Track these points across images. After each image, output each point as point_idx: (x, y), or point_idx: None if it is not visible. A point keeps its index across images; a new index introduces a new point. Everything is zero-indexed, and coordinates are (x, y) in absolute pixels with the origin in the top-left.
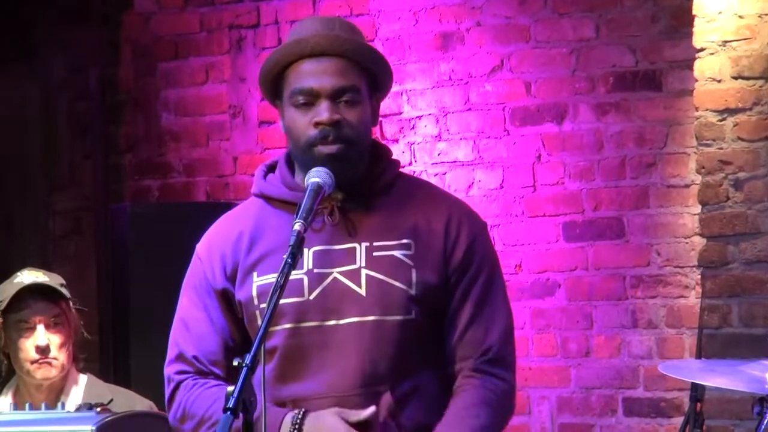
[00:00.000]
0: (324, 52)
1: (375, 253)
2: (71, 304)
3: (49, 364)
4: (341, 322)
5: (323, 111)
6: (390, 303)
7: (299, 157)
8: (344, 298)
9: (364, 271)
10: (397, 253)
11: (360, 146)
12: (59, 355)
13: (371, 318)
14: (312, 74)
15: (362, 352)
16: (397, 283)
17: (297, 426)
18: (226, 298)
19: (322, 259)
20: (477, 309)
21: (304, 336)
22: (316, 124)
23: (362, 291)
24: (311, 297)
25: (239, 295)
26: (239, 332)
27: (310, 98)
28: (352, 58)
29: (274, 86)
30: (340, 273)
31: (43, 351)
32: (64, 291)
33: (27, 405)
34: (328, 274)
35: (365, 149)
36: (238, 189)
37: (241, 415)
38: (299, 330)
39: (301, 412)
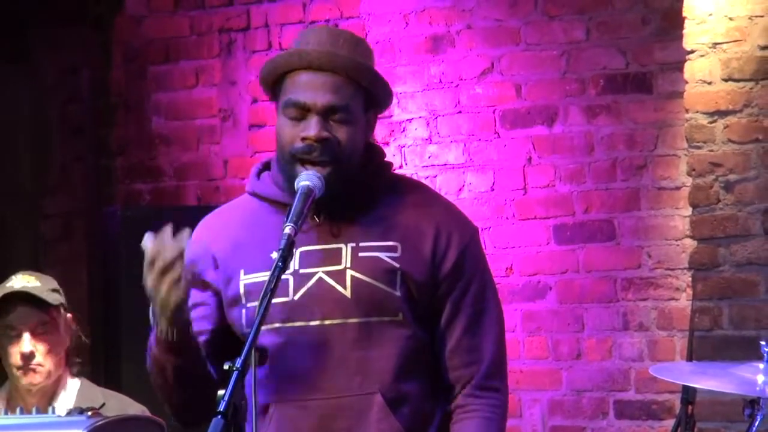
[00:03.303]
0: (321, 67)
1: (360, 254)
2: (62, 310)
3: (33, 371)
4: (326, 322)
5: (312, 127)
6: (374, 305)
7: (282, 164)
8: (328, 298)
9: (349, 272)
10: (382, 255)
11: (348, 163)
12: (45, 362)
13: (355, 320)
14: (306, 88)
15: (348, 353)
16: (381, 285)
17: None
18: (210, 290)
19: (307, 260)
20: (472, 317)
21: (290, 336)
22: (303, 139)
23: (347, 292)
24: (296, 297)
25: (226, 291)
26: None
27: (302, 112)
28: (349, 75)
29: (273, 87)
30: (326, 273)
31: (28, 358)
32: (56, 296)
33: (18, 409)
34: (313, 275)
35: (355, 164)
36: (228, 192)
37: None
38: (284, 330)
39: None
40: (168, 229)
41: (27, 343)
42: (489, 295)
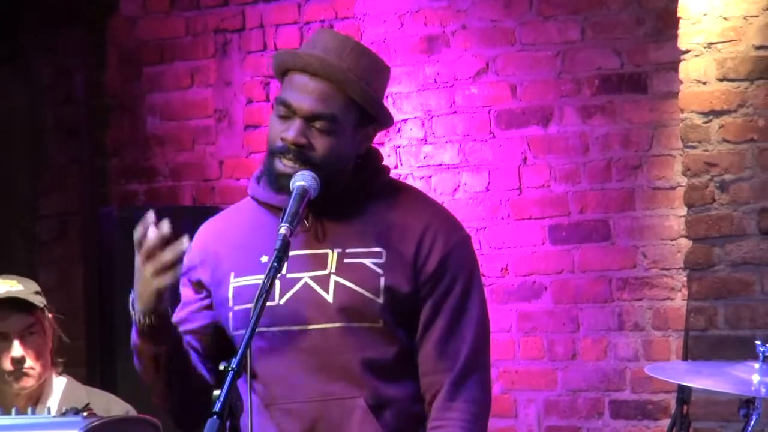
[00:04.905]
0: (315, 72)
1: (346, 260)
2: (46, 312)
3: (26, 374)
4: (309, 327)
5: (292, 130)
6: (356, 311)
7: (266, 155)
8: (312, 303)
9: (333, 278)
10: (366, 261)
11: (322, 171)
12: (36, 365)
13: (337, 325)
14: (296, 90)
15: (331, 358)
16: (364, 291)
17: None
18: (205, 290)
19: (294, 264)
20: (452, 322)
21: (273, 340)
22: (282, 139)
23: (329, 297)
24: (281, 301)
25: (217, 292)
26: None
27: (288, 112)
28: (341, 86)
29: (281, 80)
30: (311, 278)
31: (19, 362)
32: (39, 299)
33: (13, 409)
34: (299, 279)
35: (334, 173)
36: (224, 193)
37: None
38: (268, 334)
39: None
40: (151, 215)
41: (17, 348)
42: (471, 302)
